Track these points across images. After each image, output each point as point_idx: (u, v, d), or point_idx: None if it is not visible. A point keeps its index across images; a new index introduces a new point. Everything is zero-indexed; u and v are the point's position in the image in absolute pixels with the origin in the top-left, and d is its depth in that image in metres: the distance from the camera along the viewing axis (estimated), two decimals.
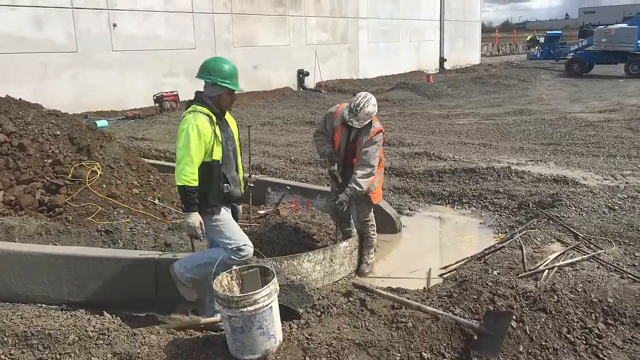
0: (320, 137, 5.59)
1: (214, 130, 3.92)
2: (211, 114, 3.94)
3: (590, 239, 5.54)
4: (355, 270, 5.64)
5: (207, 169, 3.94)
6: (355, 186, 5.18)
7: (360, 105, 5.13)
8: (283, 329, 3.53)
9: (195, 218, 3.89)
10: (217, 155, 3.96)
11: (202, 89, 4.13)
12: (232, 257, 4.02)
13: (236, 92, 4.11)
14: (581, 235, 5.64)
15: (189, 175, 3.80)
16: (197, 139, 3.81)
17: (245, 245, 4.07)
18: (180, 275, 4.15)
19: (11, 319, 3.87)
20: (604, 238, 5.58)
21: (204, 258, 4.13)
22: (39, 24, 15.69)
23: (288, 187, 7.26)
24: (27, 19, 15.43)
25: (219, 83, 3.98)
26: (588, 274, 4.56)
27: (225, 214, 4.09)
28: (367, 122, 5.23)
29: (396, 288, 4.73)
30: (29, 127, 6.93)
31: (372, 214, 5.72)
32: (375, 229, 5.79)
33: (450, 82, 23.57)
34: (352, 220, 5.91)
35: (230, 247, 4.02)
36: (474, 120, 14.65)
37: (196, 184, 3.83)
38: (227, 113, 4.19)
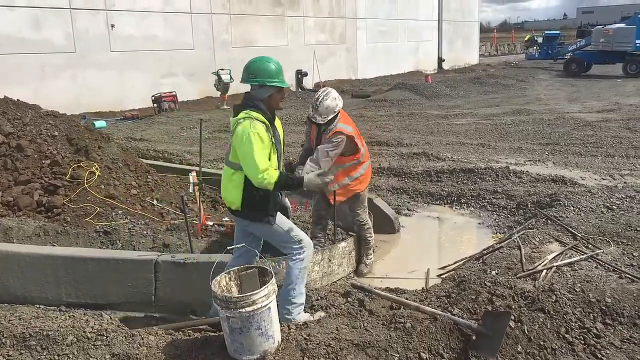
0: (305, 143, 5.57)
1: (271, 137, 3.86)
2: (266, 120, 3.85)
3: (589, 239, 5.54)
4: (353, 270, 5.64)
5: None
6: (304, 172, 4.90)
7: (320, 99, 5.03)
8: (281, 330, 3.53)
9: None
10: (274, 162, 3.90)
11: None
12: (298, 258, 4.03)
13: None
14: (579, 235, 5.65)
15: (266, 178, 3.73)
16: (261, 146, 3.75)
17: (304, 236, 4.12)
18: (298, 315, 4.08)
19: (9, 320, 3.87)
20: (602, 238, 5.58)
21: (290, 289, 4.06)
22: (37, 24, 15.69)
23: None
24: (25, 19, 15.43)
25: (267, 84, 3.89)
26: (586, 274, 4.56)
27: (279, 217, 4.05)
28: (330, 117, 5.06)
29: (395, 288, 4.73)
30: (27, 127, 6.93)
31: (366, 217, 5.67)
32: (372, 231, 5.75)
33: (449, 82, 23.58)
34: (326, 226, 5.75)
35: (292, 243, 4.04)
36: (473, 121, 14.66)
37: (276, 177, 3.78)
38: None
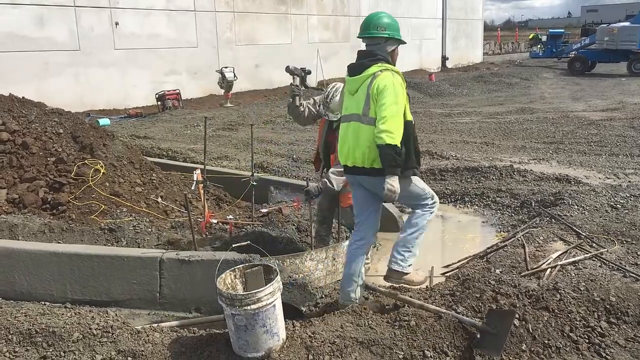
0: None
1: (406, 90, 3.88)
2: (400, 72, 3.87)
3: (593, 238, 5.54)
4: None
5: (405, 129, 3.81)
6: (327, 181, 4.89)
7: (330, 96, 4.95)
8: (286, 327, 3.54)
9: (397, 182, 3.73)
10: (409, 115, 3.87)
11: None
12: (430, 210, 4.09)
13: None
14: (584, 234, 5.64)
15: (400, 134, 3.67)
16: (403, 96, 3.77)
17: (434, 194, 4.17)
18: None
19: (15, 316, 3.89)
20: (606, 237, 5.58)
21: (414, 232, 4.07)
22: (41, 22, 15.72)
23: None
24: (29, 17, 15.46)
25: (397, 37, 3.93)
26: (590, 273, 4.56)
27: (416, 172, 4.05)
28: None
29: (398, 286, 4.73)
30: (32, 125, 6.95)
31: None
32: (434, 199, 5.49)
33: (453, 80, 23.56)
34: (330, 225, 5.64)
35: (426, 199, 4.09)
36: (476, 119, 14.65)
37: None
38: None
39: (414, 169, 3.94)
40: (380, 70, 3.80)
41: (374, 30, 3.91)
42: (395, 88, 3.72)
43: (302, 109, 5.22)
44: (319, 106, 5.15)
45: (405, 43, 4.09)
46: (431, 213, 4.09)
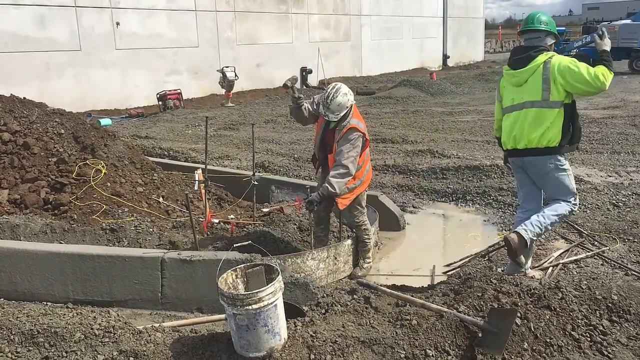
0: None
1: None
2: None
3: (595, 236, 5.54)
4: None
5: (571, 107, 4.35)
6: (328, 186, 4.84)
7: (330, 97, 4.86)
8: (288, 327, 3.54)
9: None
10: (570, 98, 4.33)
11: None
12: (572, 207, 4.44)
13: None
14: (585, 232, 5.64)
15: (603, 80, 4.12)
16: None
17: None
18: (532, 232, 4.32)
19: (17, 317, 3.90)
20: (608, 235, 5.58)
21: (551, 215, 4.39)
22: (42, 22, 15.74)
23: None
24: (30, 17, 15.48)
25: (555, 32, 4.45)
26: (592, 271, 4.56)
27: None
28: (342, 114, 4.91)
29: (400, 285, 4.74)
30: (34, 125, 6.96)
31: (364, 217, 5.41)
32: (371, 233, 5.48)
33: (454, 79, 23.54)
34: (328, 226, 5.64)
35: (571, 195, 4.43)
36: (478, 118, 14.63)
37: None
38: None
39: (576, 145, 4.45)
40: (549, 57, 4.27)
41: (537, 24, 4.39)
42: (576, 62, 4.20)
43: (305, 114, 5.22)
44: (317, 106, 5.11)
45: (559, 41, 4.56)
46: (569, 210, 4.44)
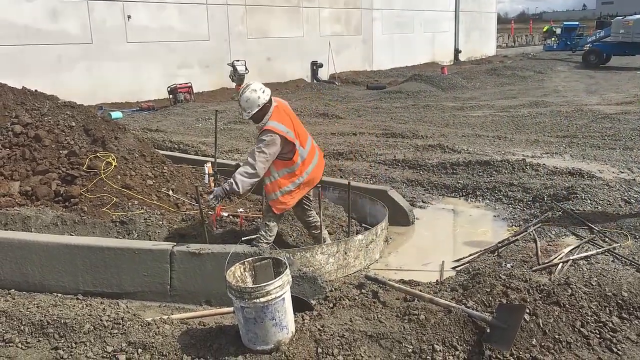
0: None
1: None
2: None
3: (605, 233, 5.49)
4: (370, 264, 5.60)
5: None
6: (232, 182, 4.68)
7: (240, 94, 4.77)
8: (295, 320, 3.55)
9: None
10: None
11: None
12: None
13: None
14: (596, 228, 5.60)
15: None
16: None
17: None
18: None
19: (28, 307, 3.94)
20: (619, 231, 5.53)
21: None
22: (54, 15, 15.80)
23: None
24: (42, 10, 15.55)
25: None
26: (603, 268, 4.53)
27: None
28: (254, 111, 4.72)
29: (409, 280, 4.72)
30: (45, 118, 7.00)
31: (272, 224, 5.02)
32: (268, 242, 4.98)
33: (465, 73, 23.41)
34: (318, 222, 5.42)
35: None
36: (489, 113, 14.55)
37: None
38: None
39: None
40: None
41: None
42: None
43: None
44: (240, 114, 4.95)
45: None
46: None
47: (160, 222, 5.72)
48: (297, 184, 4.96)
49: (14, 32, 14.94)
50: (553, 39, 37.87)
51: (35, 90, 7.74)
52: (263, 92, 4.77)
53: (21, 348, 3.51)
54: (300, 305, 3.90)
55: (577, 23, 39.26)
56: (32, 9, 15.32)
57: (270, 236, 5.01)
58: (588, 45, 30.86)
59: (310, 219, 5.41)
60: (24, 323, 3.71)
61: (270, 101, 4.83)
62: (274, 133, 4.70)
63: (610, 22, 29.74)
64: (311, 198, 5.41)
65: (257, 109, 4.74)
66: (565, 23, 38.86)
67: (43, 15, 15.59)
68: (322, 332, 3.43)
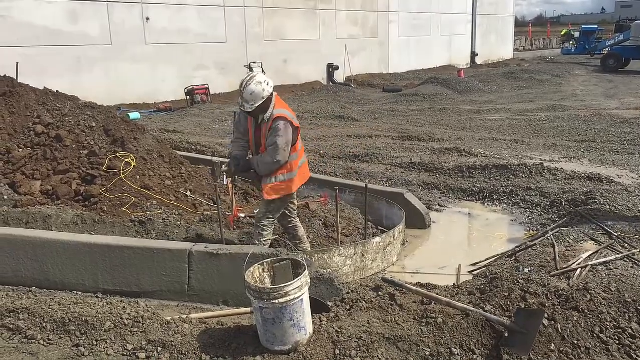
0: (236, 140, 5.18)
1: None
2: None
3: (625, 238, 5.44)
4: (387, 267, 5.60)
5: None
6: (256, 164, 4.84)
7: (244, 85, 4.68)
8: (313, 322, 3.56)
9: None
10: None
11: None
12: None
13: None
14: (615, 234, 5.55)
15: None
16: None
17: None
18: None
19: (50, 305, 3.99)
20: (638, 237, 5.48)
21: None
22: (74, 17, 15.98)
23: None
24: (62, 12, 15.72)
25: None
26: (622, 274, 4.49)
27: None
28: (258, 104, 4.68)
29: (425, 284, 4.72)
30: (66, 118, 7.09)
31: (267, 223, 5.07)
32: (266, 239, 5.07)
33: (482, 77, 23.30)
34: (299, 233, 5.39)
35: None
36: (506, 116, 14.47)
37: None
38: None
39: None
40: None
41: None
42: None
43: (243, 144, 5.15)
44: (241, 107, 4.82)
45: None
46: None
47: (179, 223, 5.77)
48: (296, 173, 5.01)
49: (34, 34, 15.13)
50: (571, 42, 37.54)
51: (57, 91, 7.85)
52: (267, 84, 4.76)
53: (43, 345, 3.57)
54: (317, 306, 3.92)
55: (595, 27, 38.92)
56: (53, 11, 15.50)
57: (265, 240, 5.05)
58: (607, 49, 30.57)
59: (290, 226, 5.34)
60: (46, 320, 3.77)
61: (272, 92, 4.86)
62: (286, 119, 4.80)
63: (629, 26, 29.43)
64: (295, 206, 5.38)
65: (260, 102, 4.72)
66: (583, 27, 38.54)
67: (63, 17, 15.77)
68: (339, 334, 3.45)
